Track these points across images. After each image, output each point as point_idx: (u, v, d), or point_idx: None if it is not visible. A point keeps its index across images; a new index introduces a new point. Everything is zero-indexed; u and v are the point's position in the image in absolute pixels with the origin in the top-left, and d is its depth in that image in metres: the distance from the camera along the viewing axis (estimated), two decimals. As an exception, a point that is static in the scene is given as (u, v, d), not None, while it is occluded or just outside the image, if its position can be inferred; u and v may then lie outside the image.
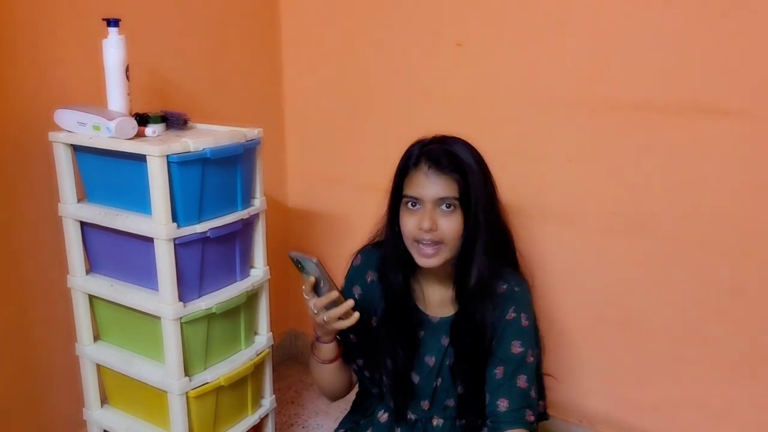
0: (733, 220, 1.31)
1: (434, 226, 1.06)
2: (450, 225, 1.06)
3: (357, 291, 1.24)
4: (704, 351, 1.41)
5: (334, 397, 1.28)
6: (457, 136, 1.13)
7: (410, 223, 1.08)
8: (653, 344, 1.47)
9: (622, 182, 1.42)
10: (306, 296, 1.09)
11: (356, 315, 1.07)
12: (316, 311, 1.09)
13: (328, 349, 1.18)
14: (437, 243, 1.07)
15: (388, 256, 1.18)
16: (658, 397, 1.49)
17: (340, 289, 1.08)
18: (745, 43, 1.23)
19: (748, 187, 1.29)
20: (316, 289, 1.09)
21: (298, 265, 1.08)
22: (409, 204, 1.09)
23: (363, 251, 1.26)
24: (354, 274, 1.25)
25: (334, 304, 1.07)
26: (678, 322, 1.42)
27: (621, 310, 1.49)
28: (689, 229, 1.36)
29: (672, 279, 1.41)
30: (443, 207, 1.06)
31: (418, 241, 1.08)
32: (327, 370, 1.21)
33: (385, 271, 1.19)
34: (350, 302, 1.07)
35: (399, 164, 1.12)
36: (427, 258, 1.08)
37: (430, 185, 1.06)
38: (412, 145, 1.12)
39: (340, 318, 1.07)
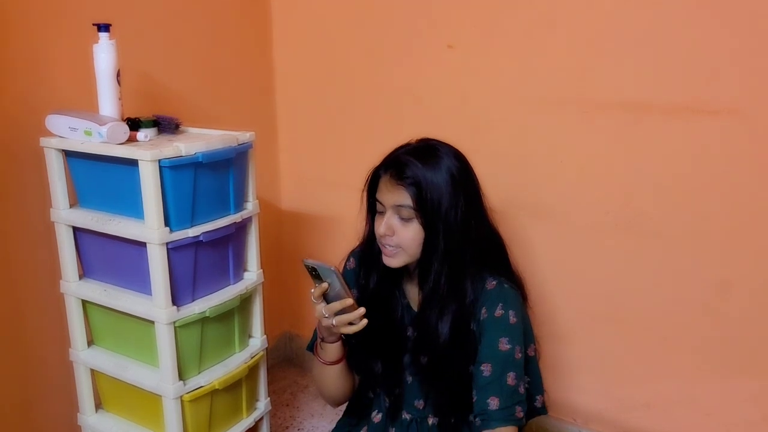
0: (722, 217, 1.32)
1: (390, 232, 1.09)
2: (406, 233, 1.09)
3: (354, 294, 1.22)
4: (694, 348, 1.42)
5: (337, 401, 1.28)
6: (439, 141, 1.13)
7: (376, 227, 1.13)
8: (645, 342, 1.48)
9: (613, 181, 1.43)
10: (314, 300, 1.10)
11: (365, 321, 1.08)
12: (326, 315, 1.09)
13: (333, 349, 1.17)
14: (395, 246, 1.11)
15: (365, 256, 1.21)
16: (650, 394, 1.50)
17: (353, 296, 1.09)
18: (735, 42, 1.24)
19: (737, 186, 1.30)
20: (324, 294, 1.10)
21: (313, 272, 1.08)
22: (378, 207, 1.12)
23: (355, 253, 1.27)
24: (349, 277, 1.25)
25: (345, 309, 1.08)
26: (669, 319, 1.43)
27: (612, 308, 1.50)
28: (679, 227, 1.37)
29: (662, 277, 1.42)
30: (401, 215, 1.08)
31: (382, 243, 1.13)
32: (331, 372, 1.20)
33: (360, 269, 1.22)
34: (362, 310, 1.08)
35: (374, 168, 1.14)
36: (387, 258, 1.12)
37: (388, 193, 1.09)
38: (394, 149, 1.13)
39: (349, 323, 1.09)
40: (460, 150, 1.13)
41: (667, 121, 1.34)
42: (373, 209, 1.16)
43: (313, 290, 1.09)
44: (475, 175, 1.13)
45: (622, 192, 1.42)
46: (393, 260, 1.12)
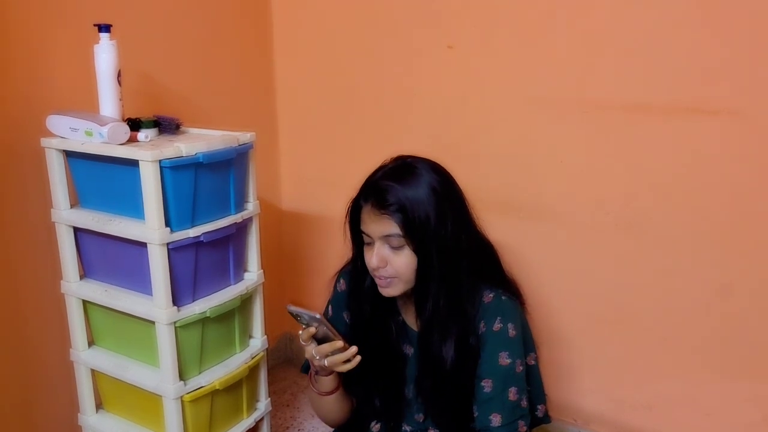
0: (722, 219, 1.32)
1: (383, 264, 1.05)
2: (400, 261, 1.04)
3: (347, 316, 1.21)
4: (695, 348, 1.42)
5: (336, 424, 1.25)
6: (414, 157, 1.09)
7: (366, 258, 1.08)
8: (645, 343, 1.48)
9: (614, 182, 1.43)
10: (303, 342, 1.08)
11: (358, 358, 1.06)
12: (318, 357, 1.07)
13: (328, 381, 1.13)
14: (390, 277, 1.06)
15: (355, 290, 1.17)
16: (650, 395, 1.50)
17: (342, 337, 1.06)
18: (735, 42, 1.24)
19: (738, 186, 1.30)
20: (314, 335, 1.08)
21: (297, 318, 1.06)
22: (365, 238, 1.08)
23: (344, 274, 1.22)
24: (340, 299, 1.22)
25: (337, 350, 1.06)
26: (669, 320, 1.43)
27: (613, 309, 1.50)
28: (680, 228, 1.37)
29: (663, 277, 1.42)
30: (391, 244, 1.04)
31: (376, 275, 1.09)
32: (328, 401, 1.17)
33: (350, 302, 1.18)
34: (354, 349, 1.05)
35: (354, 198, 1.09)
36: (383, 288, 1.09)
37: (373, 224, 1.04)
38: (371, 174, 1.08)
39: (343, 361, 1.06)
40: (439, 162, 1.09)
41: (667, 121, 1.34)
42: (358, 241, 1.11)
43: (301, 332, 1.07)
44: (457, 184, 1.09)
45: (622, 192, 1.42)
46: (390, 290, 1.08)
